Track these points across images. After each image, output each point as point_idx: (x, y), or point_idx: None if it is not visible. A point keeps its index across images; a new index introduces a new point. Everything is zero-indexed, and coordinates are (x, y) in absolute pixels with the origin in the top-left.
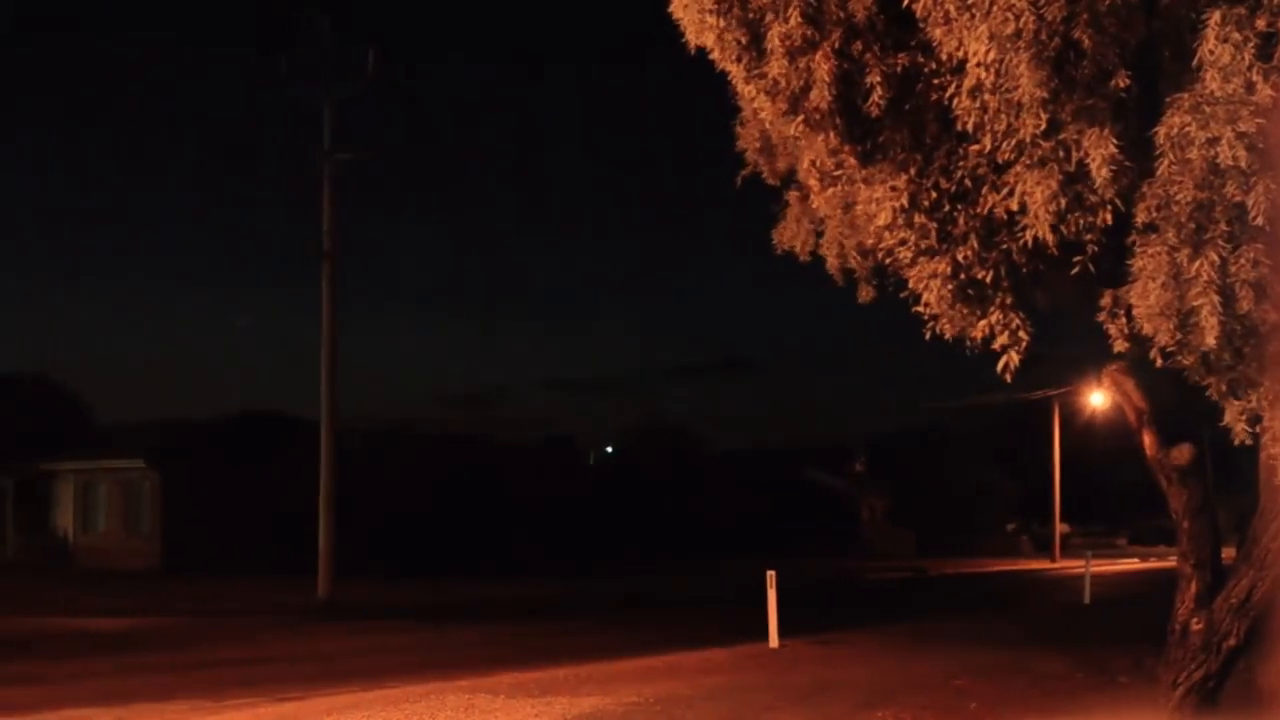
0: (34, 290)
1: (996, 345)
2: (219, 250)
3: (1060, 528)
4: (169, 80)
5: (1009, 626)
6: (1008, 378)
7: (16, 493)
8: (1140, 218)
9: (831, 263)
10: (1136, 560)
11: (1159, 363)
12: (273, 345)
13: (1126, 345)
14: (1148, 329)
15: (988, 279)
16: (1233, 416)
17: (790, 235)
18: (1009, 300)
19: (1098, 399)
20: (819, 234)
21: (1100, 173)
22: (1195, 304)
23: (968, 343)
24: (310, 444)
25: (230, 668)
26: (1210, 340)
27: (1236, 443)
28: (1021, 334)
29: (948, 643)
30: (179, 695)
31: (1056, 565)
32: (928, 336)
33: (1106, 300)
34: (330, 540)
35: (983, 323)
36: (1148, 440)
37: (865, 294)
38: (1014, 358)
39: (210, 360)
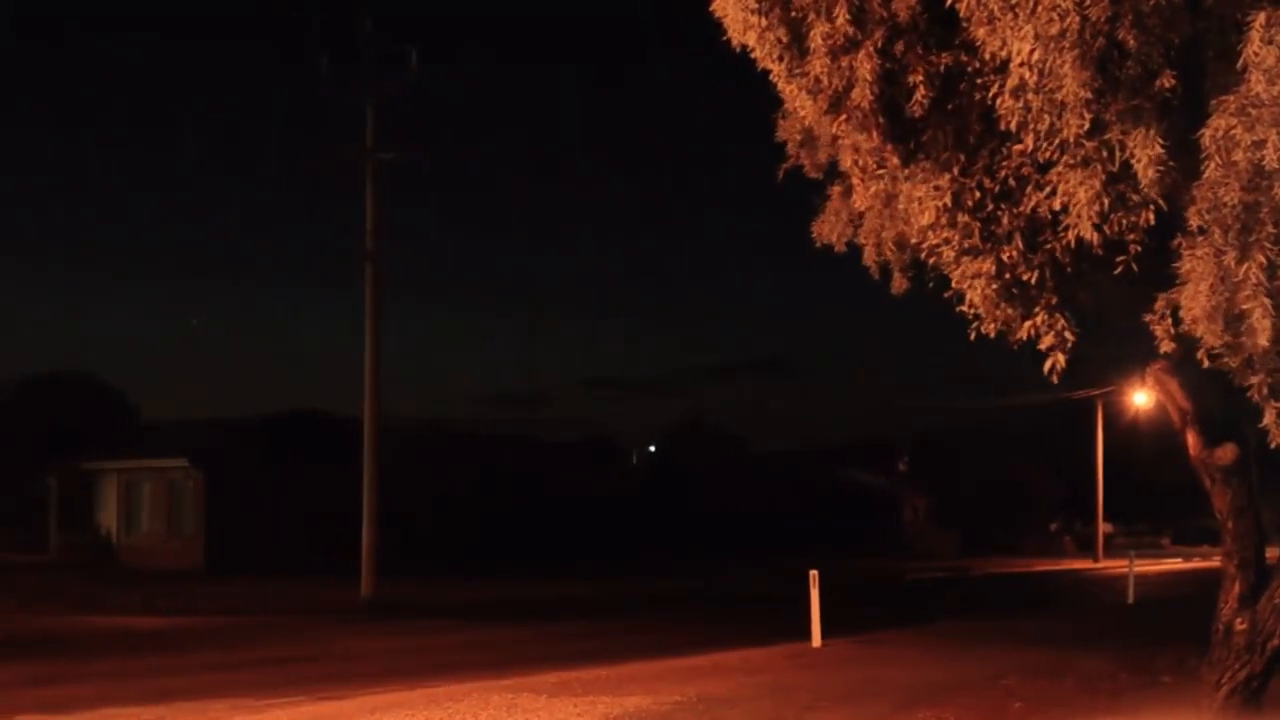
0: (80, 290)
1: (1042, 346)
2: (263, 250)
3: (1103, 527)
4: (214, 80)
5: (1052, 626)
6: (1054, 379)
7: (61, 492)
8: (1191, 221)
9: (868, 254)
10: (1180, 560)
11: (1205, 364)
12: (316, 344)
13: (1173, 346)
14: (1197, 331)
15: (1032, 279)
16: (1271, 418)
17: (829, 228)
18: (1054, 301)
19: (1141, 399)
20: (857, 227)
21: (1147, 173)
22: (1246, 307)
23: (1013, 343)
24: (353, 443)
25: (272, 667)
26: (1263, 342)
27: (1273, 445)
28: (1067, 335)
29: (991, 642)
30: (221, 694)
31: (1100, 565)
32: (972, 337)
33: (1160, 304)
34: (373, 540)
35: (1028, 323)
36: (1191, 440)
37: (899, 285)
38: (1060, 359)
39: (254, 360)
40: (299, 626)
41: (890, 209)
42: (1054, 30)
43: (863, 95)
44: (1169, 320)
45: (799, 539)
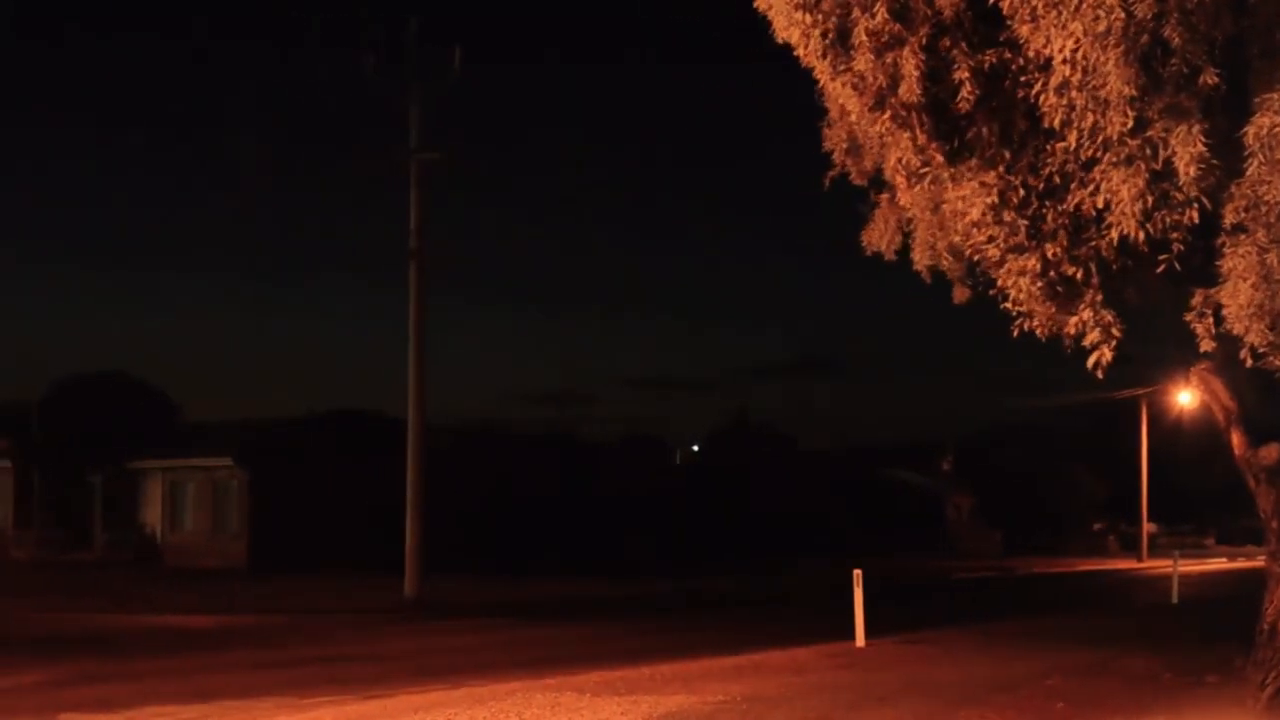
0: (124, 289)
1: (1088, 341)
2: (308, 249)
3: (1147, 527)
4: (262, 79)
5: (1096, 626)
6: (1099, 374)
7: (105, 490)
8: (1229, 218)
9: (920, 262)
10: (1224, 560)
11: (1249, 362)
12: (361, 343)
13: (1213, 345)
14: (1238, 329)
15: (1078, 275)
16: None
17: (878, 236)
18: (1099, 297)
19: (1186, 398)
20: (907, 234)
21: (1188, 171)
22: None
23: (1059, 340)
24: (398, 442)
25: (316, 665)
26: None
27: None
28: (1114, 330)
29: (1034, 642)
30: (265, 692)
31: (1143, 565)
32: (1016, 334)
33: (1197, 300)
34: (417, 539)
35: (1074, 319)
36: (1236, 439)
37: (960, 295)
38: (1106, 354)
39: (298, 359)
40: (343, 625)
41: (938, 214)
42: (1099, 27)
43: (908, 91)
44: (1210, 318)
45: (843, 538)
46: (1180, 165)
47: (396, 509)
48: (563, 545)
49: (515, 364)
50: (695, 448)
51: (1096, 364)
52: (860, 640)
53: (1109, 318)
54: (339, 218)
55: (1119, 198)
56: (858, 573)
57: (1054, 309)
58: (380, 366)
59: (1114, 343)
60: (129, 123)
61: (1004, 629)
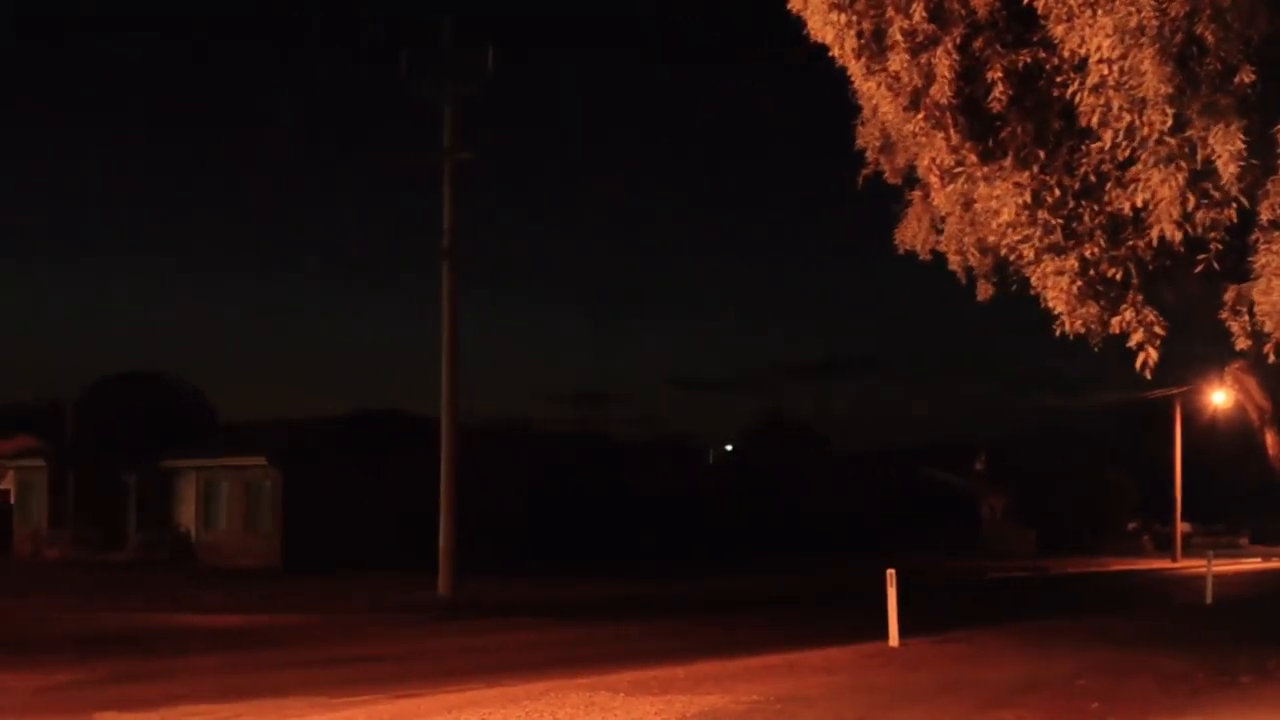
0: (158, 290)
1: (1132, 343)
2: (339, 249)
3: (1181, 527)
4: (295, 79)
5: (1130, 626)
6: (1147, 374)
7: (139, 490)
8: (1265, 215)
9: (953, 260)
10: (1258, 560)
11: (1272, 359)
12: (394, 343)
13: (1248, 342)
14: (1269, 325)
15: (1117, 276)
16: None
17: (911, 234)
18: (1140, 297)
19: (1220, 398)
20: (939, 232)
21: (1228, 169)
22: None
23: (1095, 341)
24: (430, 442)
25: (349, 665)
26: None
27: None
28: (1157, 329)
29: (1068, 642)
30: (298, 692)
31: (1178, 565)
32: (1058, 334)
33: (1230, 296)
34: (450, 538)
35: (1115, 320)
36: (1270, 439)
37: (984, 292)
38: (1152, 354)
39: (331, 358)
40: (376, 625)
41: (970, 213)
42: (1133, 26)
43: (940, 92)
44: (1245, 316)
45: (877, 538)
46: (1220, 164)
47: (429, 509)
48: (595, 545)
49: (548, 364)
50: (729, 448)
51: (1144, 365)
52: (894, 640)
53: (1152, 317)
54: (372, 217)
55: (1158, 197)
56: (891, 572)
57: (1094, 309)
58: (413, 366)
59: (1158, 341)
60: (163, 122)
61: (1038, 629)
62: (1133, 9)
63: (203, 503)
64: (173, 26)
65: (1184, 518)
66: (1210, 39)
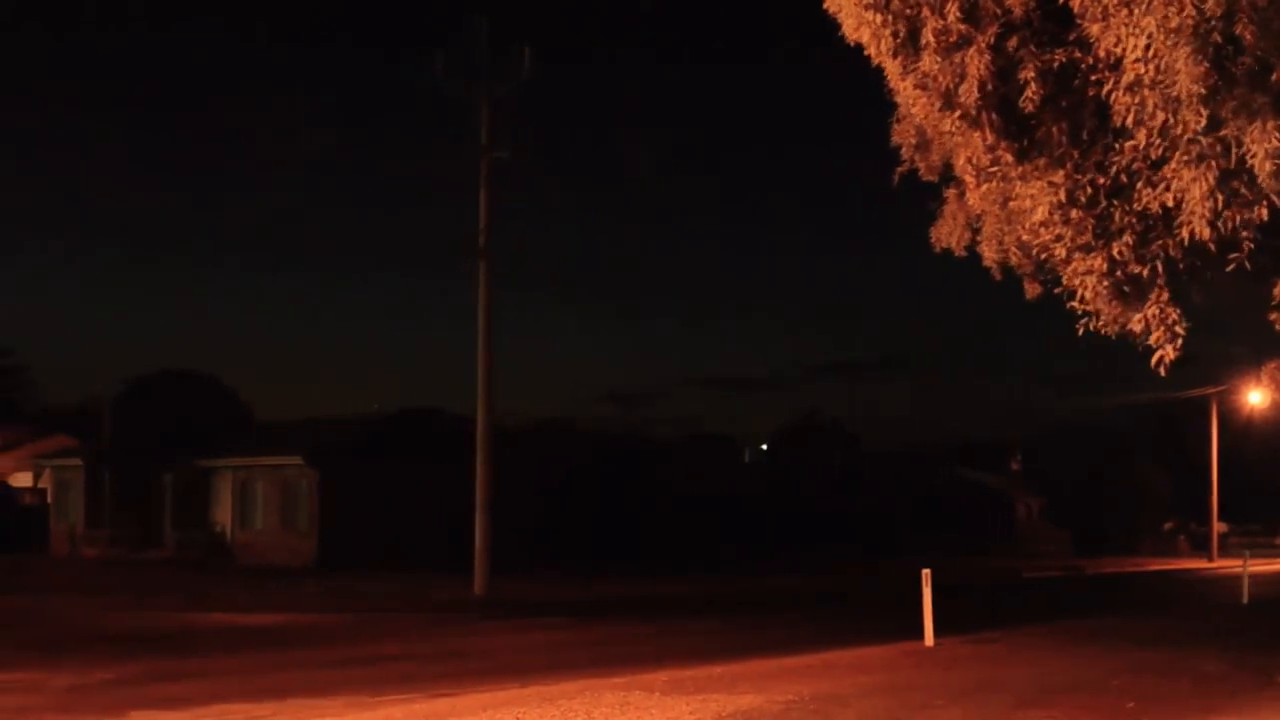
0: (196, 289)
1: (1152, 340)
2: (377, 247)
3: (1218, 526)
4: (332, 79)
5: (1166, 626)
6: (1162, 371)
7: (175, 489)
8: None
9: (989, 258)
10: None
11: None
12: (430, 342)
13: None
14: None
15: (1144, 274)
16: None
17: (947, 233)
18: (1165, 296)
19: (1256, 397)
20: (975, 230)
21: (1264, 167)
22: None
23: (1124, 339)
24: (466, 441)
25: (386, 664)
26: None
27: None
28: (1178, 329)
29: (1104, 642)
30: (335, 690)
31: (1214, 564)
32: (1081, 332)
33: (1279, 291)
34: (486, 538)
35: (1138, 316)
36: None
37: (1032, 290)
38: (1169, 352)
39: (368, 357)
40: (412, 624)
41: (1006, 210)
42: (1170, 24)
43: (968, 92)
44: None
45: (912, 538)
46: (1256, 162)
47: (464, 508)
48: (631, 544)
49: (584, 363)
50: (764, 447)
51: (1159, 362)
52: (929, 639)
53: (1174, 316)
54: (409, 216)
55: (1189, 196)
56: (926, 572)
57: (1121, 308)
58: (449, 365)
59: (1179, 341)
60: (202, 122)
61: (1073, 628)
62: (1169, 9)
63: (239, 502)
64: (211, 26)
65: (1220, 517)
66: (1248, 38)
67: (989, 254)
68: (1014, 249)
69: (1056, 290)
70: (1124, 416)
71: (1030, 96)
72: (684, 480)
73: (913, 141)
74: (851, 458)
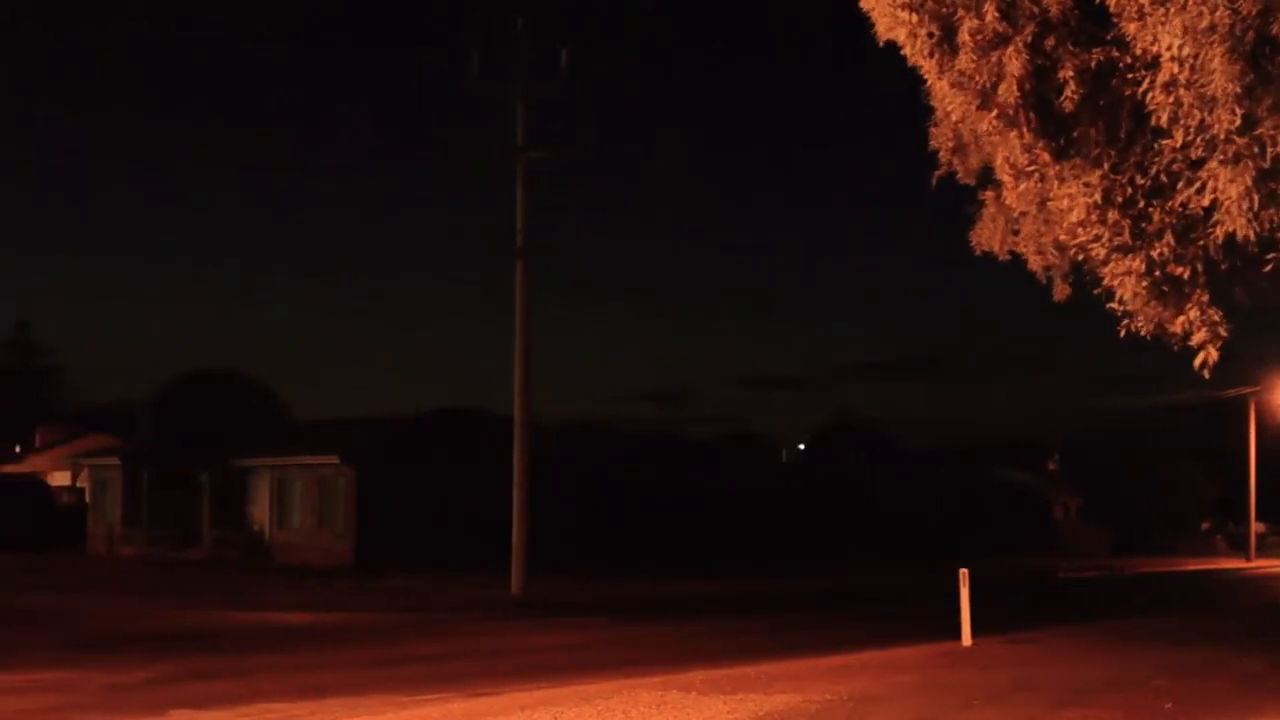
0: (234, 289)
1: (1194, 341)
2: (413, 247)
3: (1256, 526)
4: (368, 79)
5: (1204, 626)
6: (1206, 373)
7: (213, 488)
8: None
9: (1033, 261)
10: None
11: None
12: (467, 341)
13: None
14: None
15: (1184, 275)
16: None
17: (988, 235)
18: (1205, 296)
19: None
20: (1015, 233)
21: None
22: None
23: (1165, 340)
24: (503, 440)
25: (424, 663)
26: None
27: None
28: (1220, 330)
29: (1142, 642)
30: (373, 689)
31: (1252, 564)
32: (1122, 334)
33: None
34: (523, 538)
35: (1180, 318)
36: None
37: (1061, 292)
38: (1212, 353)
39: (404, 357)
40: (450, 623)
41: (1044, 212)
42: (1204, 24)
43: (1008, 91)
44: None
45: (949, 538)
46: None
47: (501, 507)
48: (666, 544)
49: (621, 363)
50: (801, 447)
51: (1203, 364)
52: (967, 639)
53: (1215, 317)
54: (446, 216)
55: (1226, 196)
56: (964, 572)
57: (1160, 309)
58: (486, 365)
59: (1220, 342)
60: (239, 122)
61: (1111, 628)
62: (1204, 8)
63: (276, 501)
64: (246, 27)
65: (1258, 517)
66: None
67: (1032, 257)
68: (1050, 250)
69: (1096, 291)
70: (1162, 416)
71: (1070, 96)
72: (720, 480)
73: (950, 145)
74: (888, 458)
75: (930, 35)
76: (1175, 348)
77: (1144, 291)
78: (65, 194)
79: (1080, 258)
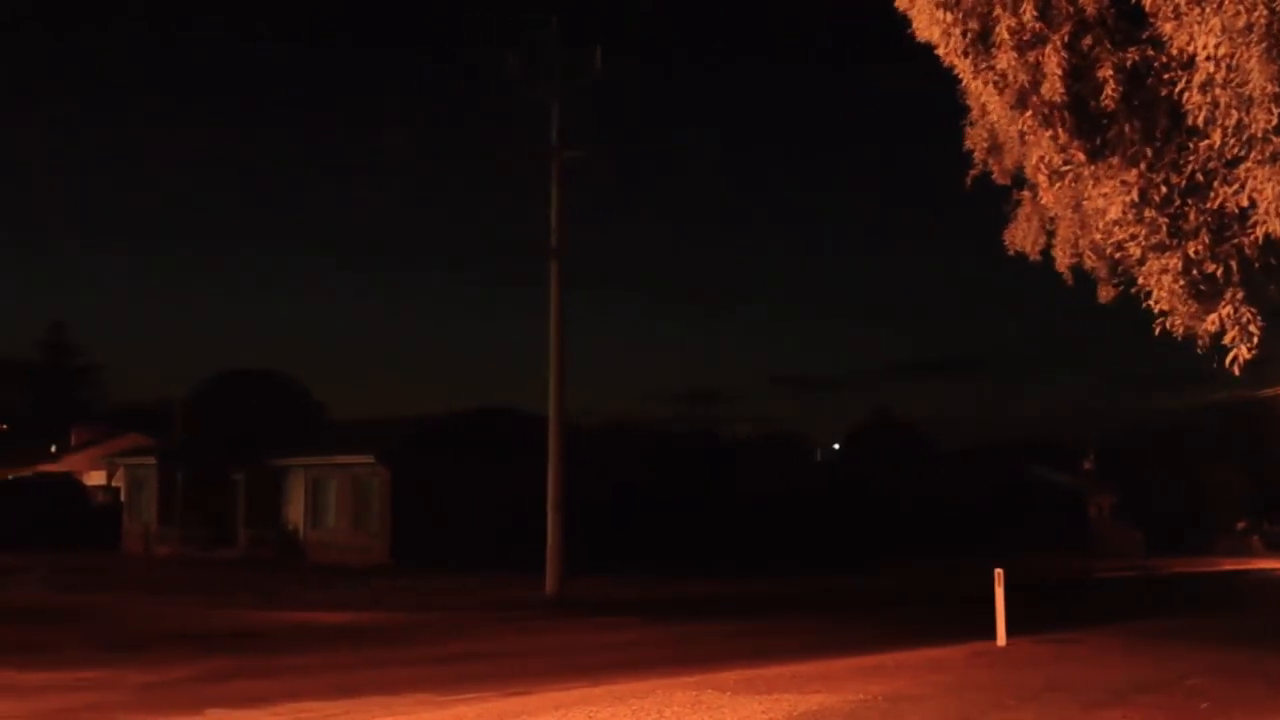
0: (268, 289)
1: (1227, 339)
2: (449, 247)
3: None
4: (402, 79)
5: (1240, 626)
6: (1236, 370)
7: (248, 487)
8: None
9: (1062, 262)
10: None
11: None
12: (502, 341)
13: None
14: None
15: (1218, 273)
16: None
17: (1021, 236)
18: (1240, 295)
19: None
20: (1050, 233)
21: None
22: None
23: (1198, 340)
24: (538, 440)
25: (458, 662)
26: None
27: None
28: (1252, 328)
29: (1177, 642)
30: (407, 688)
31: None
32: (1157, 332)
33: None
34: (558, 537)
35: (1212, 316)
36: None
37: (1105, 294)
38: (1243, 351)
39: (443, 358)
40: (484, 623)
41: (1079, 213)
42: (1240, 24)
43: (1051, 90)
44: None
45: (983, 537)
46: None
47: (536, 506)
48: (701, 544)
49: (656, 362)
50: (836, 446)
51: (1234, 361)
52: (1001, 639)
53: (1248, 315)
54: (481, 215)
55: (1263, 195)
56: (999, 572)
57: (1195, 308)
58: (521, 364)
59: (1254, 340)
60: (276, 122)
61: (1146, 628)
62: (1241, 7)
63: (311, 500)
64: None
65: None
66: None
67: (1062, 257)
68: (1088, 251)
69: (1133, 290)
70: (1199, 416)
71: (1110, 95)
72: (755, 479)
73: (985, 145)
74: (923, 457)
75: (966, 34)
76: (1203, 347)
77: (1180, 290)
78: (102, 194)
79: (1116, 256)
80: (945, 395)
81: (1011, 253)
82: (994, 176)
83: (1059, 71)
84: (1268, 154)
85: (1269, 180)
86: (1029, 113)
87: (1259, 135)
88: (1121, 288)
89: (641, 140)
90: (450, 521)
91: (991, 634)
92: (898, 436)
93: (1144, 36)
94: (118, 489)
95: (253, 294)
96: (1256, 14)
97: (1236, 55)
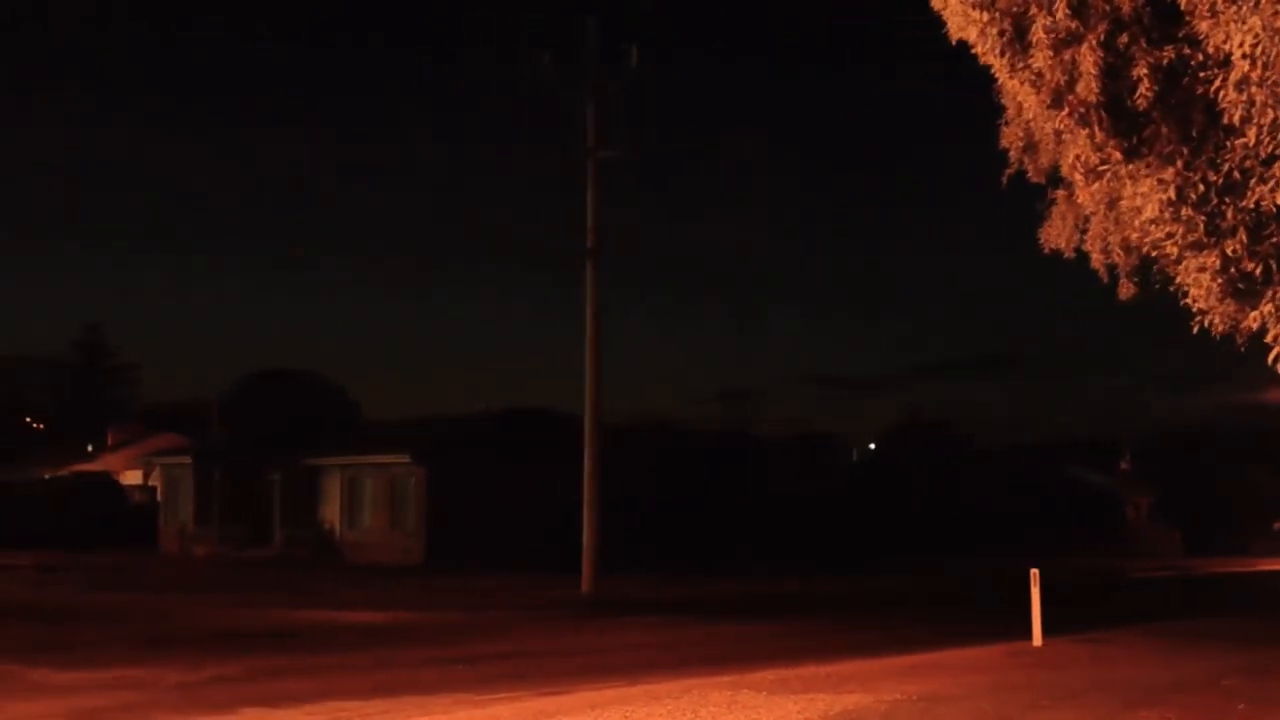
0: (303, 288)
1: (1269, 338)
2: (484, 246)
3: None
4: (435, 77)
5: (1276, 626)
6: (1279, 369)
7: (284, 487)
8: None
9: (1096, 259)
10: None
11: None
12: (537, 340)
13: None
14: None
15: (1257, 271)
16: None
17: (1056, 234)
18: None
19: None
20: (1084, 232)
21: None
22: None
23: (1237, 338)
24: (574, 440)
25: (494, 662)
26: None
27: None
28: None
29: (1214, 642)
30: (443, 689)
31: None
32: (1195, 331)
33: None
34: (594, 537)
35: (1254, 314)
36: None
37: (1126, 290)
38: None
39: (480, 357)
40: (519, 622)
41: (1114, 211)
42: (1277, 22)
43: (1087, 89)
44: None
45: (1019, 537)
46: None
47: (571, 506)
48: (736, 543)
49: (694, 362)
50: (871, 445)
51: (1277, 358)
52: (1037, 639)
53: None
54: (516, 215)
55: None
56: (1035, 572)
57: (1234, 306)
58: (556, 363)
59: None
60: (310, 123)
61: (1183, 629)
62: (1278, 5)
63: (346, 500)
64: (320, 28)
65: None
66: None
67: (1096, 256)
68: (1118, 249)
69: (1170, 289)
70: (1237, 417)
71: (1144, 94)
72: (790, 479)
73: (1020, 144)
74: (958, 457)
75: (1001, 34)
76: (1243, 346)
77: (1218, 289)
78: (134, 193)
79: (1153, 254)
80: (983, 395)
81: (1047, 251)
82: (1029, 175)
83: (1095, 70)
84: None
85: None
86: (1065, 111)
87: None
88: (1153, 286)
89: (677, 139)
90: (486, 521)
91: (1027, 634)
92: (932, 436)
93: (1180, 35)
94: (154, 488)
95: (286, 294)
96: None
97: (1273, 53)
